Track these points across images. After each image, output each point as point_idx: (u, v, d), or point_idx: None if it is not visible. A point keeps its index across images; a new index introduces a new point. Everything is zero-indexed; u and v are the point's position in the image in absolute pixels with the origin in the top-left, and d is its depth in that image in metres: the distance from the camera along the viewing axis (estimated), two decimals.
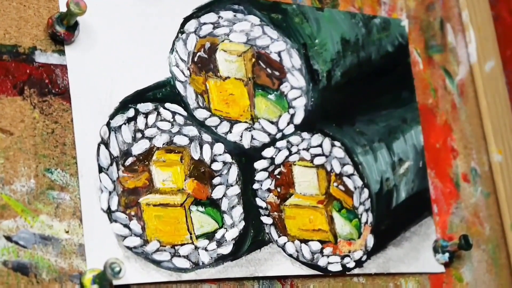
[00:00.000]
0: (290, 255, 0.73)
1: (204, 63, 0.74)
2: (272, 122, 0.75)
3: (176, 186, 0.69)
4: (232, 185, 0.72)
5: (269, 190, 0.74)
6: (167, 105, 0.71)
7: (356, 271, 0.76)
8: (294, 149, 0.76)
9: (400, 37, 0.85)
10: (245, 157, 0.73)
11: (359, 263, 0.77)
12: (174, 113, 0.71)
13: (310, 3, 0.81)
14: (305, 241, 0.74)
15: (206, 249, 0.69)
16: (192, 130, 0.71)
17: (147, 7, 0.72)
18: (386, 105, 0.83)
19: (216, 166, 0.72)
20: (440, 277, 0.82)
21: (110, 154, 0.67)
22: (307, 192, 0.76)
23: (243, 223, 0.72)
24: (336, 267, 0.75)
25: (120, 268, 0.60)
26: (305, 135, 0.77)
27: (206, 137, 0.72)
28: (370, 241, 0.78)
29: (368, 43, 0.82)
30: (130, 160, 0.68)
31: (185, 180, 0.70)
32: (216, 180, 0.71)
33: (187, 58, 0.73)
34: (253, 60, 0.76)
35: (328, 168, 0.77)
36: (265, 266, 0.72)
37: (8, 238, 0.61)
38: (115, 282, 0.63)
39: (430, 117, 0.86)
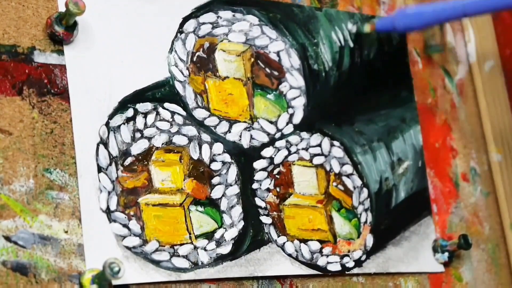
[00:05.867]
0: (290, 255, 0.73)
1: (203, 63, 0.74)
2: (271, 122, 0.75)
3: (175, 186, 0.69)
4: (231, 185, 0.72)
5: (268, 189, 0.74)
6: (166, 105, 0.71)
7: (356, 270, 0.76)
8: (293, 149, 0.76)
9: (398, 37, 0.85)
10: (244, 157, 0.73)
11: (358, 262, 0.77)
12: (173, 113, 0.71)
13: (309, 3, 0.81)
14: (304, 241, 0.74)
15: (205, 249, 0.69)
16: (191, 130, 0.71)
17: (146, 7, 0.72)
18: (385, 105, 0.83)
19: (215, 166, 0.72)
20: (440, 276, 0.82)
21: (109, 154, 0.67)
22: (306, 191, 0.76)
23: (242, 223, 0.72)
24: (335, 267, 0.75)
25: (119, 268, 0.60)
26: (304, 134, 0.77)
27: (205, 136, 0.72)
28: (370, 240, 0.78)
29: (366, 43, 0.82)
30: (129, 160, 0.68)
31: (184, 180, 0.70)
32: (215, 180, 0.71)
33: (186, 57, 0.73)
34: (252, 60, 0.76)
35: (327, 168, 0.77)
36: (264, 266, 0.72)
37: (7, 238, 0.61)
38: (114, 282, 0.63)
39: (429, 116, 0.86)
